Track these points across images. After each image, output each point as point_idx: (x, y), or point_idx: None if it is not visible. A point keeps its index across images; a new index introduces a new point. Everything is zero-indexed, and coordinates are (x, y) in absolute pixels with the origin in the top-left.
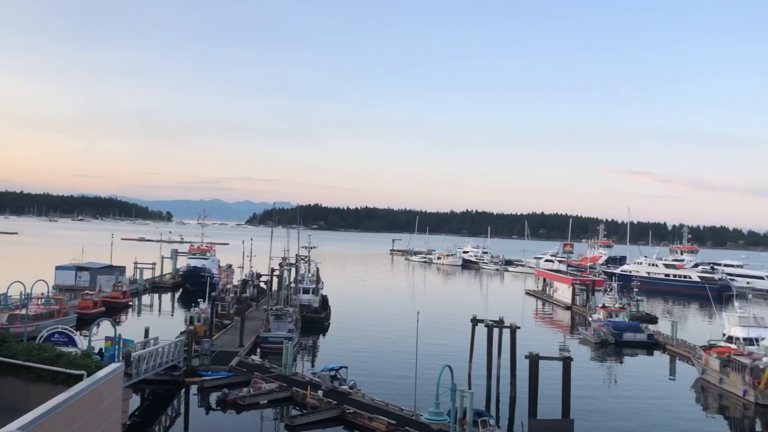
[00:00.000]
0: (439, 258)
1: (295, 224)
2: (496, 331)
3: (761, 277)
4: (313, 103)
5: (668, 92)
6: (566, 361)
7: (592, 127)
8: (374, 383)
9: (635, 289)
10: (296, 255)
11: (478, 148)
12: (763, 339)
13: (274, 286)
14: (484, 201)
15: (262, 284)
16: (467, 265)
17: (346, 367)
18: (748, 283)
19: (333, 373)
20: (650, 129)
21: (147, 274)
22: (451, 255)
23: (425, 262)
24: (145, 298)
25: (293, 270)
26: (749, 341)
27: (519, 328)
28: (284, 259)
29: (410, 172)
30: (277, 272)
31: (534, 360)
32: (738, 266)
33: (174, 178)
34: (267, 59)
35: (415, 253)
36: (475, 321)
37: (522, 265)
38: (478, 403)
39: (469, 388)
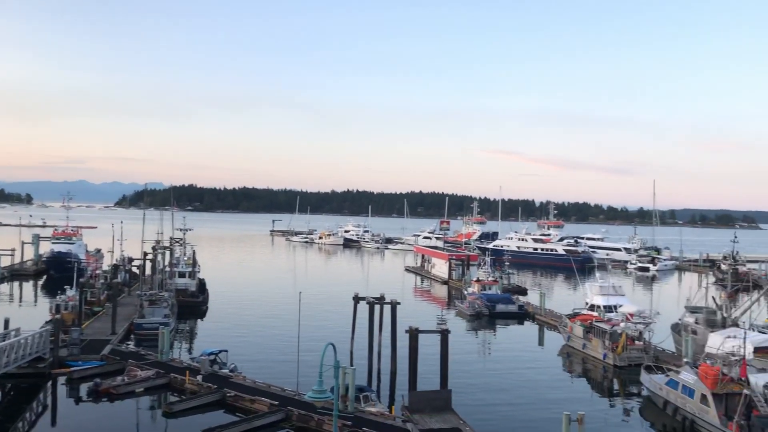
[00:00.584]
0: (320, 238)
1: (169, 206)
2: (377, 307)
3: (619, 249)
4: (183, 79)
5: (534, 74)
6: (444, 334)
7: (465, 109)
8: (256, 366)
9: (507, 263)
10: (170, 238)
11: (357, 128)
12: (620, 306)
13: (148, 271)
14: (364, 180)
15: (134, 269)
16: (348, 244)
17: (226, 351)
18: (607, 255)
19: (212, 357)
20: (517, 110)
21: (5, 261)
22: (333, 234)
23: (306, 242)
24: (4, 287)
25: (168, 253)
26: (608, 309)
27: (399, 303)
28: (158, 242)
29: (290, 151)
30: (150, 256)
31: (414, 334)
32: (599, 239)
33: (35, 157)
34: (135, 32)
35: (296, 234)
36: (356, 299)
37: (402, 243)
38: (360, 379)
39: (351, 365)
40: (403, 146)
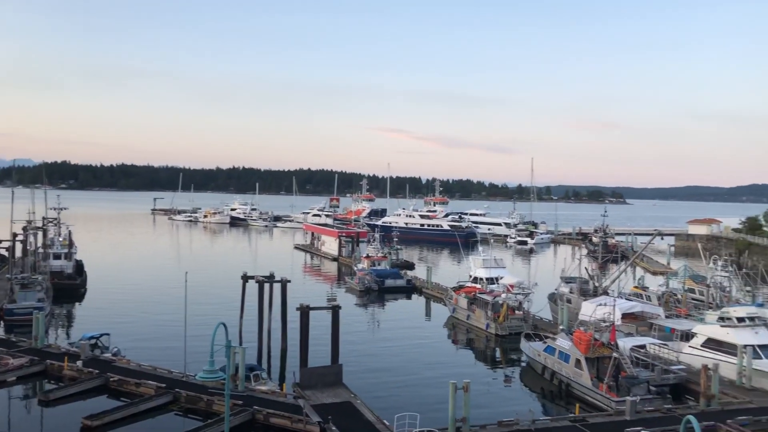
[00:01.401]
0: (205, 216)
1: (40, 183)
2: (266, 286)
3: (500, 224)
4: (53, 46)
5: (418, 53)
6: (335, 310)
7: (352, 86)
8: (141, 349)
9: (395, 239)
10: (43, 218)
11: (242, 103)
12: (502, 278)
13: (18, 253)
14: (251, 157)
15: (2, 251)
16: (235, 222)
17: (108, 335)
18: (489, 229)
19: (93, 341)
20: (404, 88)
21: None
22: (219, 213)
23: (191, 221)
24: None
25: (40, 234)
26: (491, 280)
27: (290, 281)
28: (29, 222)
29: (171, 127)
30: (20, 237)
31: (304, 311)
32: (481, 215)
33: None
34: None
35: (180, 212)
36: (245, 278)
37: (291, 221)
38: (251, 358)
39: (241, 345)
40: (292, 122)
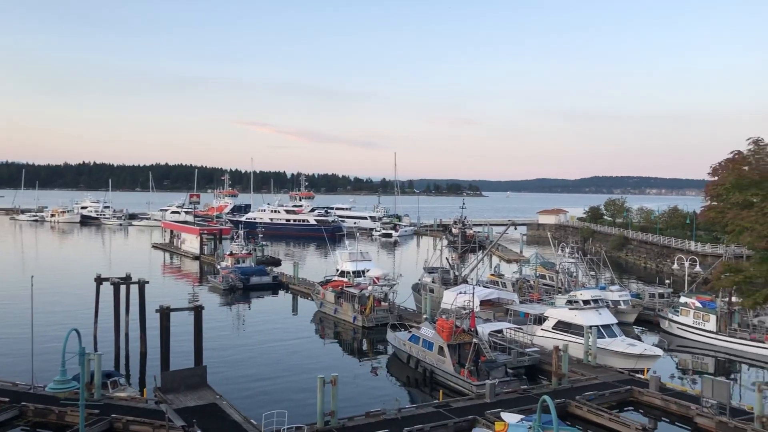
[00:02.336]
0: (53, 215)
1: None
2: (123, 288)
3: (365, 218)
4: None
5: (281, 46)
6: (197, 310)
7: (211, 79)
8: None
9: (260, 235)
10: None
11: (93, 94)
12: (368, 271)
13: None
14: (102, 151)
15: None
16: (87, 221)
17: None
18: (355, 223)
19: None
20: (266, 81)
21: None
22: (68, 211)
23: (36, 220)
24: None
25: None
26: (357, 274)
27: (148, 282)
28: None
29: (9, 118)
30: None
31: (165, 313)
32: (347, 209)
33: None
34: None
35: (23, 212)
36: (99, 280)
37: (148, 218)
38: (108, 364)
39: (96, 351)
40: (146, 115)
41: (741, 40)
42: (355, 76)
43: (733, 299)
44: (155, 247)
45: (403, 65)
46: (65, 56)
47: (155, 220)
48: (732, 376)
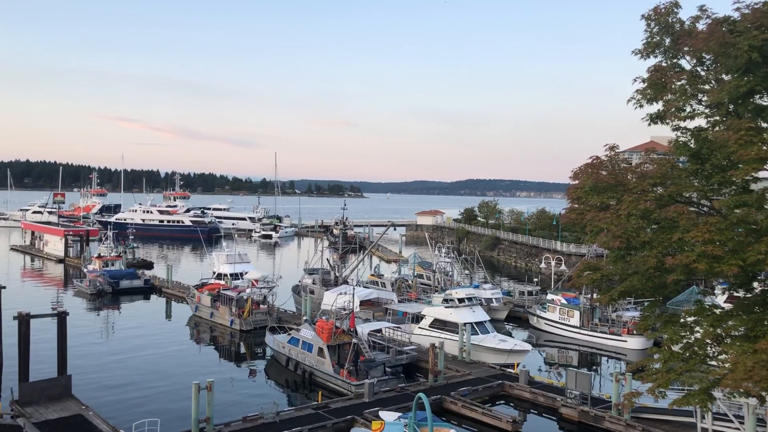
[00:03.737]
0: None
1: None
2: None
3: (244, 219)
4: None
5: (145, 39)
6: (61, 317)
7: (71, 70)
8: None
9: (131, 237)
10: None
11: None
12: (246, 273)
13: None
14: None
15: None
16: None
17: None
18: (233, 224)
19: None
20: (132, 75)
21: None
22: None
23: None
24: None
25: None
26: (235, 276)
27: (5, 287)
28: None
29: None
30: None
31: (24, 320)
32: (225, 209)
33: None
34: None
35: None
36: None
37: (5, 219)
38: None
39: None
40: (2, 106)
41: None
42: (227, 73)
43: (594, 296)
44: (14, 249)
45: (278, 64)
46: None
47: (14, 220)
48: (593, 367)
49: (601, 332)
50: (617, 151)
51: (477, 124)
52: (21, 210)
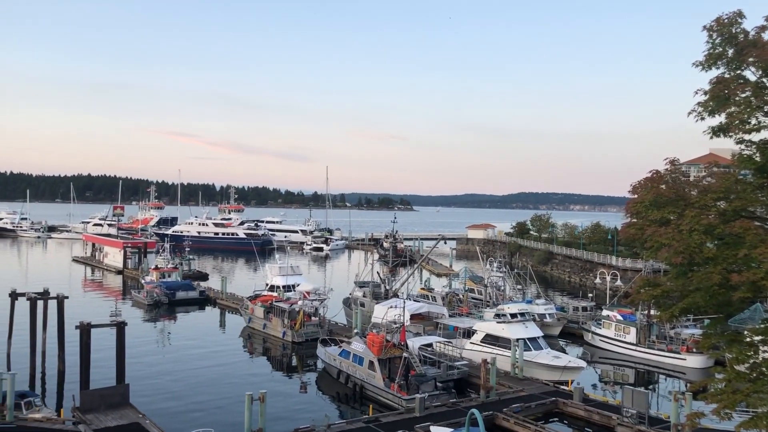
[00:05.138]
0: None
1: None
2: (40, 303)
3: (296, 231)
4: None
5: (194, 55)
6: (120, 327)
7: (130, 85)
8: None
9: (187, 249)
10: None
11: (5, 100)
12: (298, 285)
13: None
14: (19, 161)
15: None
16: (2, 233)
17: None
18: (285, 237)
19: None
20: (185, 91)
21: None
22: None
23: None
24: None
25: None
26: (287, 288)
27: (67, 297)
28: None
29: None
30: None
31: (85, 329)
32: (277, 222)
33: None
34: None
35: None
36: (14, 295)
37: (68, 231)
38: (23, 384)
39: (10, 370)
40: (64, 123)
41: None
42: (278, 88)
43: (652, 312)
44: (76, 260)
45: (327, 78)
46: None
47: (76, 232)
48: (650, 386)
49: (658, 350)
50: (677, 164)
51: (525, 136)
52: (82, 222)
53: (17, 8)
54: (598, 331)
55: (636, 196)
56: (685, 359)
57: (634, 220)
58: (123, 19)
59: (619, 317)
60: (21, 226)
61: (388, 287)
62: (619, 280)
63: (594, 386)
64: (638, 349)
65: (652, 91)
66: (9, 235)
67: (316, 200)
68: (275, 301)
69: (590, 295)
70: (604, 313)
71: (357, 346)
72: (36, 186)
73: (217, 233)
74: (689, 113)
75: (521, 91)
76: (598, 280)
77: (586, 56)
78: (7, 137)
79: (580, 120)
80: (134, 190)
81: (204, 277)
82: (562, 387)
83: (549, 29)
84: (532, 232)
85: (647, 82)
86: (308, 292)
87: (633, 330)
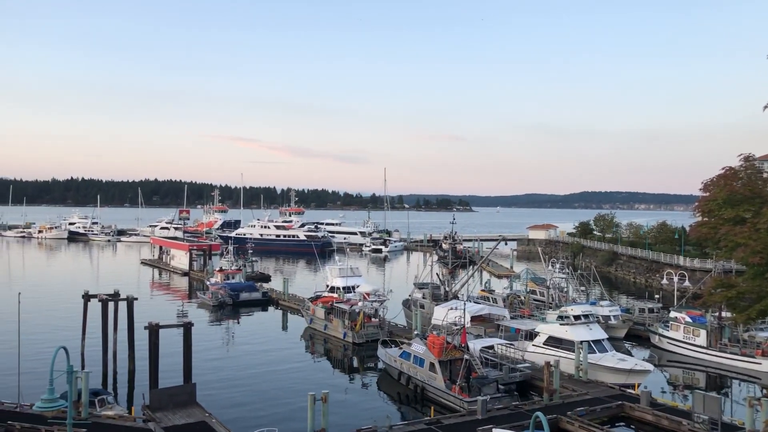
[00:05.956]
0: (40, 232)
1: None
2: (111, 304)
3: (355, 233)
4: None
5: (250, 61)
6: (186, 327)
7: (187, 92)
8: None
9: (250, 251)
10: None
11: (71, 109)
12: (358, 286)
13: None
14: (91, 167)
15: None
16: (74, 237)
17: None
18: (345, 238)
19: None
20: (242, 97)
21: None
22: (55, 227)
23: (23, 237)
24: None
25: None
26: (347, 289)
27: (136, 299)
28: None
29: None
30: None
31: (153, 330)
32: (337, 224)
33: None
34: None
35: (10, 228)
36: (87, 296)
37: (137, 234)
38: (96, 382)
39: (84, 368)
40: (130, 130)
41: (720, 54)
42: (334, 92)
43: (724, 314)
44: (144, 263)
45: (382, 80)
46: (36, 71)
47: (144, 236)
48: (723, 391)
49: (731, 353)
50: (752, 160)
51: (586, 134)
52: (150, 226)
53: (69, 19)
54: (665, 333)
55: (708, 194)
56: (760, 363)
57: (706, 219)
58: (178, 29)
59: (688, 319)
60: (92, 231)
61: (447, 289)
62: (687, 281)
63: (662, 390)
64: (709, 352)
65: (721, 84)
66: (81, 239)
67: (374, 202)
68: (336, 303)
69: (656, 296)
70: (672, 314)
71: (417, 347)
72: (106, 191)
73: (278, 235)
74: (765, 107)
75: (580, 88)
76: (664, 281)
77: (645, 51)
78: (79, 145)
79: (643, 116)
80: (199, 194)
81: (266, 278)
82: (628, 391)
83: (606, 23)
84: (595, 232)
85: (714, 75)
86: (368, 294)
87: (703, 332)
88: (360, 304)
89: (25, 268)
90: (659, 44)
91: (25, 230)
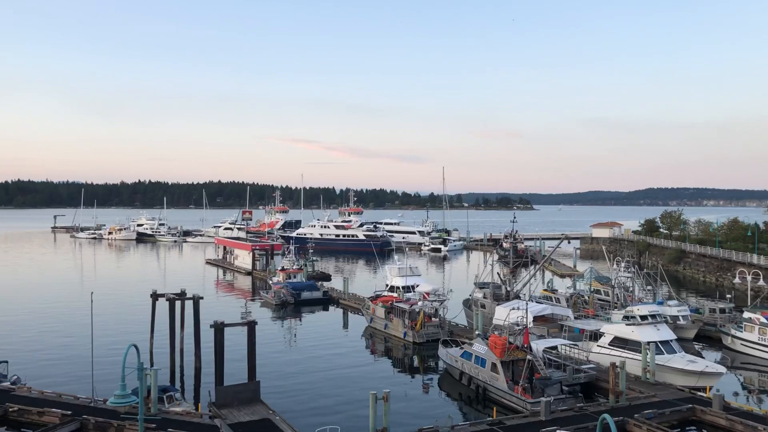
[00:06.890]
0: (110, 233)
1: None
2: (177, 303)
3: (414, 232)
4: None
5: (308, 62)
6: (250, 326)
7: (246, 96)
8: (44, 376)
9: (311, 251)
10: None
11: (138, 115)
12: (418, 286)
13: None
14: (157, 170)
15: None
16: (143, 238)
17: (6, 362)
18: (404, 238)
19: None
20: (301, 98)
21: None
22: (125, 229)
23: (95, 238)
24: None
25: None
26: (407, 289)
27: (202, 298)
28: None
29: (67, 140)
30: None
31: (219, 328)
32: (395, 224)
33: None
34: None
35: (83, 230)
36: (155, 296)
37: (201, 235)
38: (163, 379)
39: (152, 365)
40: (194, 134)
41: None
42: (391, 92)
43: None
44: (209, 263)
45: (436, 80)
46: (105, 79)
47: (209, 236)
48: None
49: None
50: None
51: (650, 128)
52: (214, 227)
53: (133, 27)
54: (738, 334)
55: None
56: None
57: None
58: (231, 32)
59: (763, 320)
60: (159, 231)
61: (509, 288)
62: (762, 280)
63: (735, 394)
64: None
65: None
66: (149, 239)
67: (432, 201)
68: (395, 302)
69: (728, 296)
70: (746, 315)
71: (479, 347)
72: (172, 193)
73: (338, 235)
74: None
75: (642, 82)
76: (737, 280)
77: (710, 39)
78: (145, 151)
79: (711, 108)
80: (260, 195)
81: (327, 277)
82: (699, 393)
83: (669, 16)
84: (662, 230)
85: None
86: (428, 293)
87: None
88: (420, 303)
89: (96, 269)
90: (726, 31)
91: (96, 232)
